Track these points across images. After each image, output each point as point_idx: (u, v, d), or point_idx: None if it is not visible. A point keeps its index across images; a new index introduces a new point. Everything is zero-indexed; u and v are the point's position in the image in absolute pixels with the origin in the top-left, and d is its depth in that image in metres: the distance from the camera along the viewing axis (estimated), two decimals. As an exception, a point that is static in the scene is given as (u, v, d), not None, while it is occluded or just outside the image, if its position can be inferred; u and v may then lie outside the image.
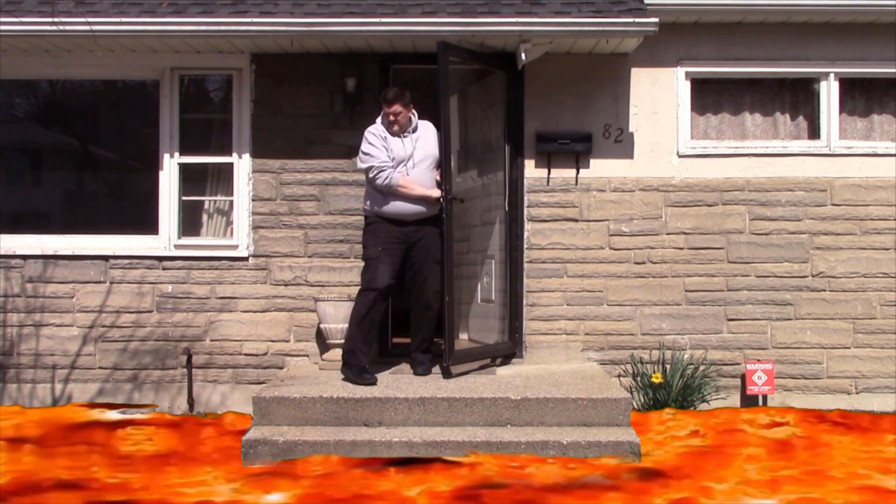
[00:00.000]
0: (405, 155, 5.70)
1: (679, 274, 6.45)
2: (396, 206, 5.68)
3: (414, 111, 5.81)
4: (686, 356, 6.33)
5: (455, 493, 4.27)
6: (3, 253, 6.47)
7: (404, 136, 5.74)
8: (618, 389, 5.31)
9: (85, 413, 5.96)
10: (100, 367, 6.46)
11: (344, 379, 5.56)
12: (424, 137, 5.81)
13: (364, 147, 5.70)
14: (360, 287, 5.83)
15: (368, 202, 5.79)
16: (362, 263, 6.41)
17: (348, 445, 4.82)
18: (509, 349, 6.37)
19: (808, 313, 6.44)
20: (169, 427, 5.62)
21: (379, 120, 5.80)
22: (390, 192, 5.66)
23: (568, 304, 6.45)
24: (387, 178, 5.61)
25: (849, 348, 6.44)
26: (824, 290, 6.45)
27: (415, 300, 5.84)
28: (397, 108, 5.66)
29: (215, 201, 6.67)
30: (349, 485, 4.38)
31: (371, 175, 5.65)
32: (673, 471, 4.59)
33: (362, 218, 6.39)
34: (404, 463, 4.70)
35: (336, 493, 4.26)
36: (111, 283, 6.47)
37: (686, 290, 6.45)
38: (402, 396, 5.11)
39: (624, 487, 4.34)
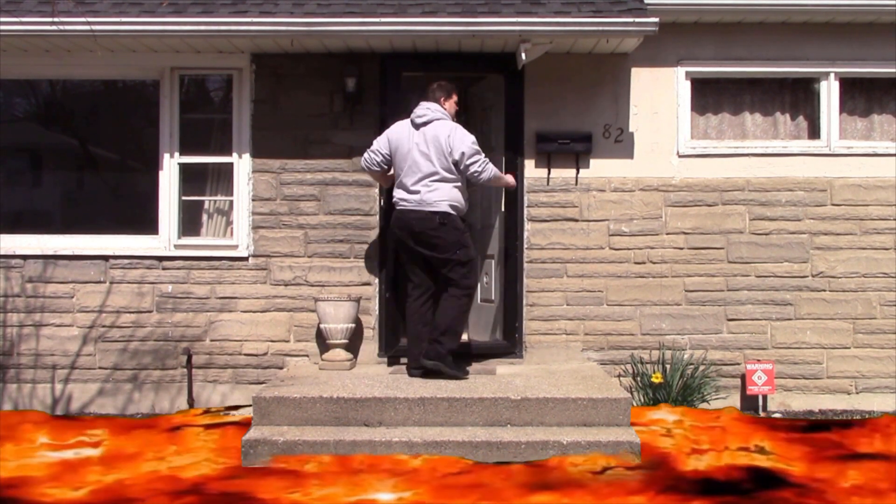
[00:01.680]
0: None
1: (679, 274, 6.45)
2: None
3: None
4: (686, 356, 6.33)
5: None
6: (3, 253, 6.47)
7: None
8: (618, 389, 5.30)
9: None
10: (100, 367, 6.46)
11: (452, 377, 5.51)
12: None
13: (472, 141, 5.58)
14: (461, 286, 5.59)
15: (462, 201, 5.68)
16: (361, 263, 6.44)
17: (348, 445, 4.82)
18: (507, 349, 6.38)
19: (808, 313, 6.44)
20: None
21: (452, 113, 5.75)
22: (478, 186, 5.88)
23: (568, 304, 6.45)
24: (493, 168, 5.71)
25: (849, 348, 6.44)
26: (824, 290, 6.45)
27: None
28: None
29: (215, 201, 6.67)
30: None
31: (484, 166, 5.59)
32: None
33: (363, 218, 6.42)
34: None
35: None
36: (111, 283, 6.47)
37: (686, 290, 6.45)
38: (402, 396, 5.11)
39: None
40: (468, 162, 5.53)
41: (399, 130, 5.70)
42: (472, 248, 5.72)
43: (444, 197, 5.55)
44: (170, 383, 6.44)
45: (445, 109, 5.70)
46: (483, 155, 5.62)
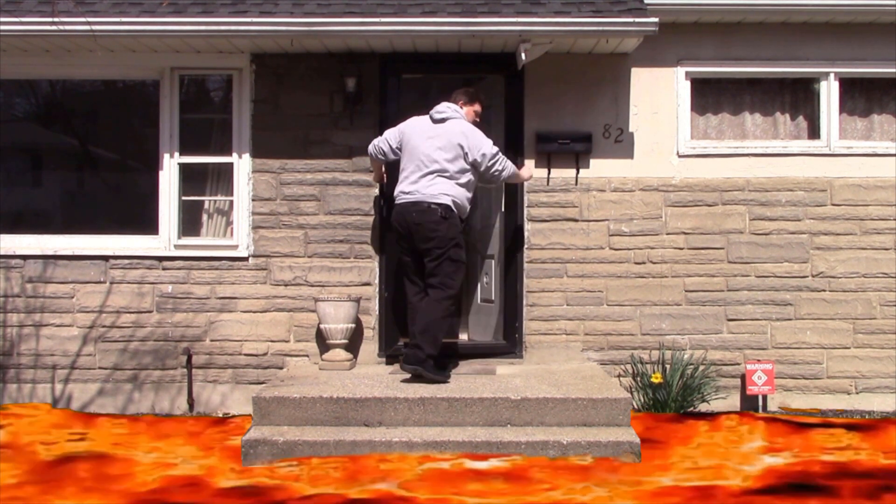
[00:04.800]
0: None
1: (679, 274, 6.45)
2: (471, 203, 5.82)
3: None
4: (686, 356, 6.33)
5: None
6: (3, 253, 6.46)
7: None
8: (618, 389, 5.30)
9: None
10: (100, 368, 6.46)
11: (432, 382, 5.37)
12: None
13: (490, 142, 5.65)
14: (446, 287, 5.51)
15: (464, 200, 5.67)
16: (361, 263, 6.43)
17: (348, 445, 4.81)
18: (507, 349, 6.37)
19: (808, 313, 6.44)
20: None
21: (469, 120, 5.77)
22: (496, 183, 6.01)
23: (568, 304, 6.45)
24: (512, 165, 5.81)
25: (849, 348, 6.44)
26: (824, 290, 6.45)
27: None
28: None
29: (215, 201, 6.67)
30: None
31: (503, 164, 5.69)
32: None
33: (363, 218, 6.42)
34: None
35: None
36: (111, 283, 6.47)
37: (686, 290, 6.45)
38: (402, 396, 5.11)
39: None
40: (489, 163, 5.61)
41: (414, 124, 5.75)
42: (463, 252, 5.65)
43: (447, 191, 5.56)
44: (170, 383, 6.44)
45: (463, 113, 5.74)
46: (501, 154, 5.70)
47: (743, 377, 6.34)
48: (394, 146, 5.77)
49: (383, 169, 6.12)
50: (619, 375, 6.36)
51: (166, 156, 6.49)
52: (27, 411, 6.02)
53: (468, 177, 5.65)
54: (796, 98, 6.60)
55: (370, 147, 5.89)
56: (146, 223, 6.54)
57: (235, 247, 6.48)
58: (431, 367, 5.43)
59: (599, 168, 6.44)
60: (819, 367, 6.43)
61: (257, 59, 6.43)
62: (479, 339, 6.75)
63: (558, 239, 6.44)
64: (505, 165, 5.70)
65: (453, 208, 5.57)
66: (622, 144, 6.45)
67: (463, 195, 5.64)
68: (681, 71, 6.45)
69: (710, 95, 6.58)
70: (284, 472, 4.61)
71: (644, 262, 6.45)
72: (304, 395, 5.12)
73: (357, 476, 4.53)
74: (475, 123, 5.77)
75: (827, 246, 6.44)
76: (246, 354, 6.45)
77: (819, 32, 6.40)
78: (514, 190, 6.40)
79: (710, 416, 5.77)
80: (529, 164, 6.40)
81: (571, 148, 6.37)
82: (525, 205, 6.43)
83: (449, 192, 5.56)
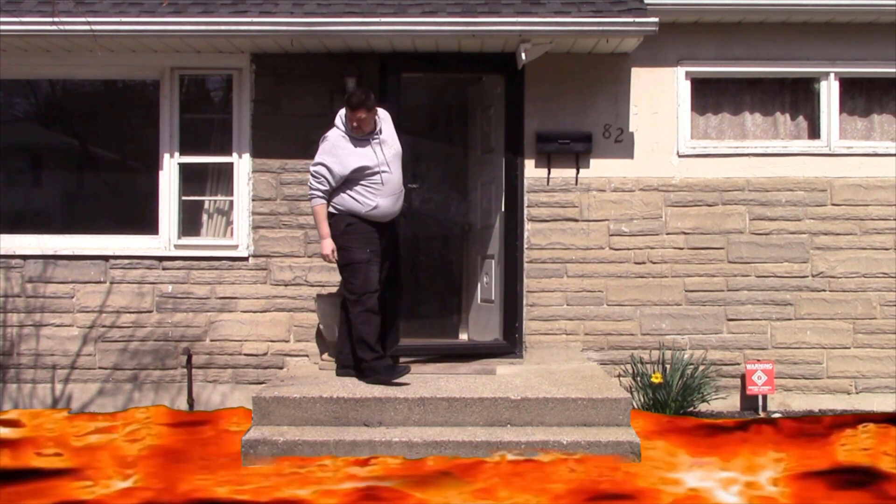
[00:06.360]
0: (379, 161, 5.44)
1: (679, 274, 6.45)
2: (383, 209, 5.50)
3: (377, 110, 5.54)
4: (686, 356, 6.33)
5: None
6: (3, 253, 6.47)
7: (373, 140, 5.47)
8: (618, 389, 5.31)
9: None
10: (100, 367, 6.47)
11: (371, 382, 5.40)
12: (387, 133, 5.60)
13: (321, 161, 5.44)
14: (349, 295, 5.50)
15: (345, 203, 5.45)
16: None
17: (348, 445, 4.82)
18: (507, 349, 6.37)
19: (808, 313, 6.44)
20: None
21: (348, 125, 5.47)
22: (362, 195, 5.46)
23: (568, 304, 6.45)
24: (319, 206, 5.48)
25: (849, 348, 6.44)
26: (824, 290, 6.45)
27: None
28: (361, 114, 5.35)
29: (215, 201, 6.67)
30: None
31: (310, 196, 5.51)
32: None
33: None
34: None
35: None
36: (111, 283, 6.47)
37: (686, 290, 6.45)
38: (401, 396, 5.11)
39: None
40: (311, 169, 5.51)
41: None
42: (355, 252, 5.46)
43: (331, 199, 5.51)
44: (170, 383, 6.44)
45: (343, 118, 5.51)
46: (319, 184, 5.44)
47: (743, 377, 6.34)
48: None
49: None
50: (619, 375, 6.36)
51: (166, 156, 6.49)
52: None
53: (335, 182, 5.46)
54: (796, 98, 6.60)
55: None
56: (146, 223, 6.54)
57: (235, 247, 6.48)
58: (385, 370, 5.44)
59: (599, 168, 6.44)
60: (819, 367, 6.43)
61: (257, 59, 6.43)
62: (479, 339, 6.74)
63: (558, 239, 6.44)
64: (310, 197, 5.51)
65: (334, 212, 5.49)
66: (622, 144, 6.45)
67: (341, 200, 5.46)
68: (681, 71, 6.45)
69: (710, 95, 6.58)
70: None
71: (644, 262, 6.45)
72: (304, 395, 5.12)
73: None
74: (355, 129, 5.43)
75: (827, 246, 6.45)
76: (246, 354, 6.45)
77: (819, 32, 6.40)
78: (514, 190, 6.39)
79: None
80: (529, 163, 6.37)
81: (571, 148, 6.37)
82: (525, 205, 6.43)
83: (333, 200, 5.50)
